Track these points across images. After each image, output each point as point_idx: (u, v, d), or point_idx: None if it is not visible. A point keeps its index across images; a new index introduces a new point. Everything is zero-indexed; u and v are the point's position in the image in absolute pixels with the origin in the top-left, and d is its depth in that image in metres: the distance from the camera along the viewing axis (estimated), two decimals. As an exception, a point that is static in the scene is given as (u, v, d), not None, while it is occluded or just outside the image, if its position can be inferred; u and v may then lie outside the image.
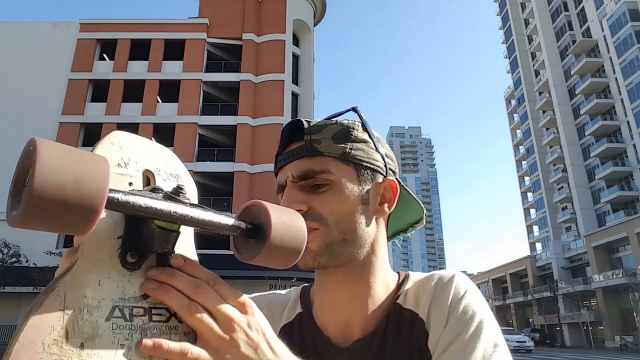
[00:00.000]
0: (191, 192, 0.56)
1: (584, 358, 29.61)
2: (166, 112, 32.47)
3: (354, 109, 0.84)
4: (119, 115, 32.17)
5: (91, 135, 31.96)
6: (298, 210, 0.67)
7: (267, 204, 0.54)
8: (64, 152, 0.39)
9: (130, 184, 0.52)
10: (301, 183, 0.77)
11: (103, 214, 0.44)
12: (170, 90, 33.08)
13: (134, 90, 32.41)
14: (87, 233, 0.40)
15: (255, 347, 0.52)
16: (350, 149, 0.78)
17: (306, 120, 0.79)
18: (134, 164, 0.53)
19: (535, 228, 72.69)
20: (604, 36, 54.51)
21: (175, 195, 0.49)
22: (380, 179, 0.81)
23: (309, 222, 0.68)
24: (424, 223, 0.95)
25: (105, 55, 34.80)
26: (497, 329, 0.73)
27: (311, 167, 0.76)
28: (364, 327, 0.79)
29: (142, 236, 0.49)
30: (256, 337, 0.53)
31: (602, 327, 47.12)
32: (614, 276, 42.90)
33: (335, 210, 0.75)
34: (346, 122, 0.81)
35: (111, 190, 0.42)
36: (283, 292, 0.94)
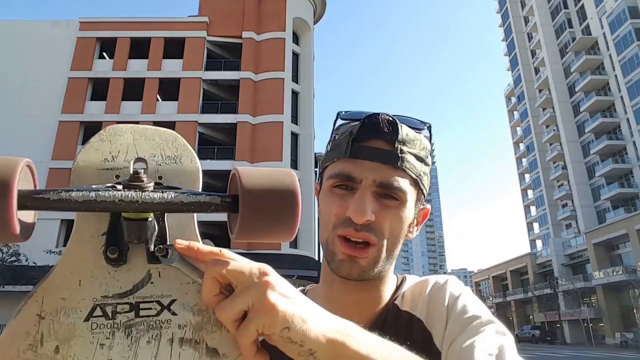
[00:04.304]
0: (189, 172, 0.54)
1: (585, 355, 29.62)
2: (166, 110, 32.38)
3: (429, 128, 0.84)
4: (119, 113, 31.99)
5: (91, 133, 30.37)
6: (367, 221, 0.74)
7: (241, 169, 0.49)
8: None
9: (117, 176, 0.51)
10: (377, 190, 0.75)
11: (88, 212, 0.47)
12: (170, 89, 32.98)
13: (133, 89, 32.29)
14: (15, 239, 0.41)
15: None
16: (424, 174, 0.80)
17: (399, 124, 0.77)
18: (123, 155, 0.52)
19: (536, 225, 72.57)
20: (604, 34, 54.31)
21: (132, 181, 0.47)
22: (421, 205, 0.84)
23: (371, 236, 0.74)
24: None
25: (105, 54, 34.72)
26: (499, 322, 0.72)
27: (394, 180, 0.75)
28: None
29: (118, 230, 0.48)
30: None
31: (602, 324, 47.21)
32: (614, 273, 42.98)
33: (394, 227, 0.76)
34: (427, 142, 0.82)
35: (40, 192, 0.43)
36: None
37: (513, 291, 64.30)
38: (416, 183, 0.78)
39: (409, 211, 0.78)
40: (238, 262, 0.49)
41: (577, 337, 49.26)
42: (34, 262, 25.04)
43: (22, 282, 24.88)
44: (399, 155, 0.75)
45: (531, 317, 61.90)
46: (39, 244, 25.76)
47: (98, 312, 0.46)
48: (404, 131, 0.77)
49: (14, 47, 33.07)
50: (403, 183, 0.76)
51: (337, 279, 0.79)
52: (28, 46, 33.26)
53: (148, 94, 32.69)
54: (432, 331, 0.76)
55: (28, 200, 0.42)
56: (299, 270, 24.89)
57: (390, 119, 0.77)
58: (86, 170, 0.50)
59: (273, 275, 0.49)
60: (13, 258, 25.80)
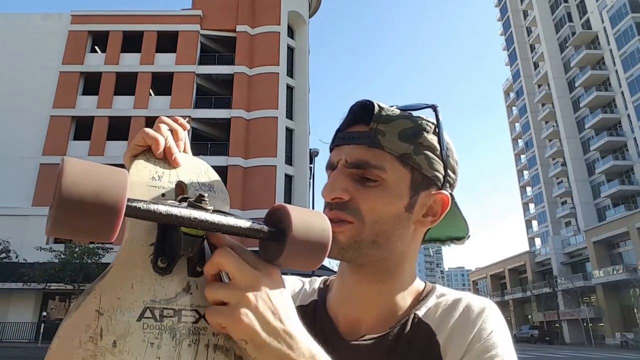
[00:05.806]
0: (221, 200, 0.61)
1: (584, 355, 29.19)
2: (159, 105, 31.97)
3: (434, 108, 0.78)
4: (111, 108, 31.81)
5: (82, 128, 31.51)
6: (339, 199, 0.73)
7: (290, 207, 0.55)
8: (86, 168, 0.43)
9: (163, 194, 0.57)
10: (352, 170, 0.74)
11: (139, 222, 0.52)
12: (163, 83, 32.65)
13: (126, 83, 31.98)
14: (112, 239, 0.44)
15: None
16: (414, 152, 0.74)
17: (378, 105, 0.75)
18: (167, 176, 0.59)
19: (535, 223, 72.30)
20: (604, 28, 54.04)
21: (198, 202, 0.53)
22: (433, 189, 0.77)
23: (345, 214, 0.73)
24: (464, 243, 0.92)
25: (97, 48, 34.35)
26: None
27: (367, 158, 0.73)
28: (374, 327, 0.76)
29: (171, 242, 0.53)
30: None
31: (602, 324, 46.94)
32: (614, 272, 42.71)
33: (376, 209, 0.72)
34: (420, 121, 0.76)
35: (133, 200, 0.47)
36: (306, 279, 0.94)
37: (511, 290, 64.07)
38: (404, 163, 0.73)
39: (397, 192, 0.73)
40: (244, 264, 0.53)
41: (576, 337, 48.98)
42: (24, 259, 24.78)
43: (12, 279, 24.49)
44: (374, 135, 0.73)
45: (530, 316, 61.62)
46: (29, 240, 25.33)
47: (148, 314, 0.51)
48: (385, 112, 0.74)
49: (4, 40, 32.69)
50: (380, 162, 0.72)
51: (347, 268, 0.79)
52: (19, 39, 32.91)
53: (140, 89, 32.38)
54: (444, 358, 0.71)
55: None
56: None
57: (367, 102, 0.75)
58: (138, 184, 0.56)
59: (264, 293, 0.52)
60: (3, 255, 25.42)
